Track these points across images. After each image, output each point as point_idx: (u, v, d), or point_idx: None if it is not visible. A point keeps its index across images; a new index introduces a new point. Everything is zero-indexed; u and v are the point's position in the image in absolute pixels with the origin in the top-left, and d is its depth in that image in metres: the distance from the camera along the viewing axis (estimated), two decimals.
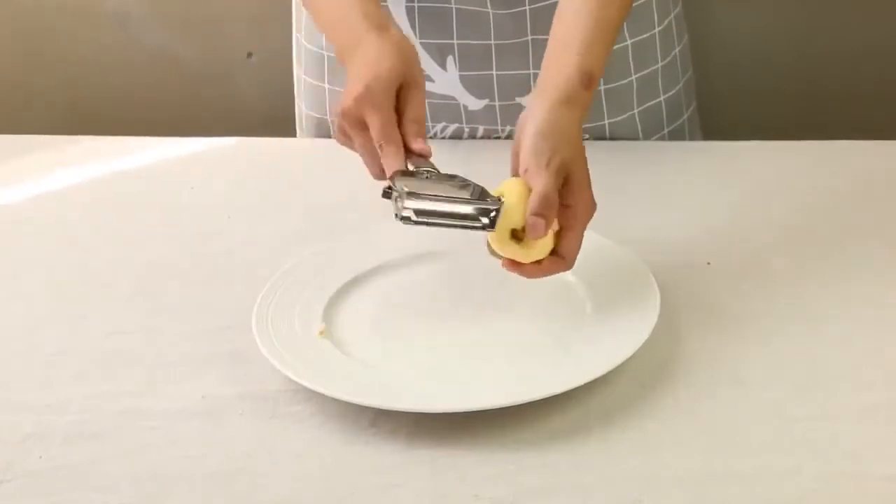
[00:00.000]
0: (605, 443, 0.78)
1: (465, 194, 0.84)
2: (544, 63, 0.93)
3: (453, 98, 1.21)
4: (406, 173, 0.87)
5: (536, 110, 0.88)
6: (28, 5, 1.89)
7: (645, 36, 1.20)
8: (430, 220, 0.84)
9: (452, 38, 1.17)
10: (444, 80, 1.20)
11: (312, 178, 1.20)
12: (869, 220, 1.05)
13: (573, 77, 0.90)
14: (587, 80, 0.90)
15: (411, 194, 0.83)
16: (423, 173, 0.87)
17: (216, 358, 0.89)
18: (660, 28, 1.21)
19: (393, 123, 0.90)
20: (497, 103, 1.21)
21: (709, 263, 0.98)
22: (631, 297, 0.90)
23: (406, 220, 0.83)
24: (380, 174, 0.91)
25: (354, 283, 0.96)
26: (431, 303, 0.95)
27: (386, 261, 0.99)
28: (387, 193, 0.86)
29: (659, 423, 0.79)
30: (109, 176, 1.26)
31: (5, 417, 0.84)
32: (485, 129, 1.24)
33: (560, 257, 0.86)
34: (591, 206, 0.87)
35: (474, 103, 1.22)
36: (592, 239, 0.97)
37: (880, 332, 0.88)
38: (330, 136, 1.23)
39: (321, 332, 0.89)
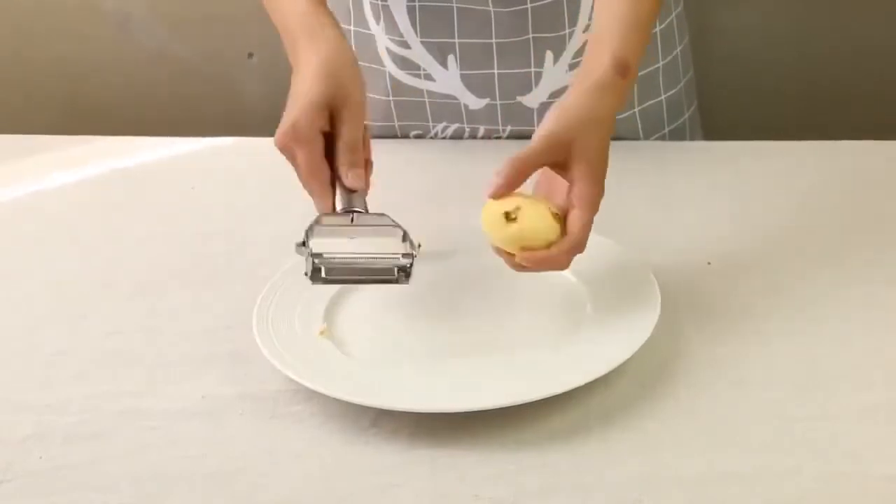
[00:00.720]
0: (606, 443, 0.77)
1: (386, 245, 0.85)
2: (584, 55, 0.93)
3: (454, 97, 1.21)
4: (329, 214, 0.88)
5: (567, 96, 0.87)
6: (28, 5, 1.89)
7: None
8: (341, 278, 0.86)
9: (453, 37, 1.17)
10: (444, 80, 1.20)
11: None
12: (870, 221, 1.05)
13: (607, 64, 0.88)
14: (622, 69, 0.88)
15: (318, 257, 0.85)
16: (348, 215, 0.87)
17: (216, 358, 0.89)
18: (661, 27, 1.21)
19: (318, 163, 0.89)
20: (498, 102, 1.21)
21: (709, 263, 0.98)
22: (631, 297, 0.90)
23: (315, 279, 0.85)
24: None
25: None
26: (432, 303, 0.94)
27: None
28: (303, 244, 0.86)
29: (659, 424, 0.79)
30: (109, 176, 1.26)
31: (5, 417, 0.84)
32: (486, 129, 1.24)
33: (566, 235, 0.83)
34: (592, 190, 0.84)
35: (475, 102, 1.21)
36: (592, 239, 0.97)
37: (881, 331, 0.88)
38: None
39: (322, 332, 0.89)
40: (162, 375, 0.88)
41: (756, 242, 1.02)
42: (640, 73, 1.19)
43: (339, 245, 0.85)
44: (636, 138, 1.24)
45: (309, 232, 0.86)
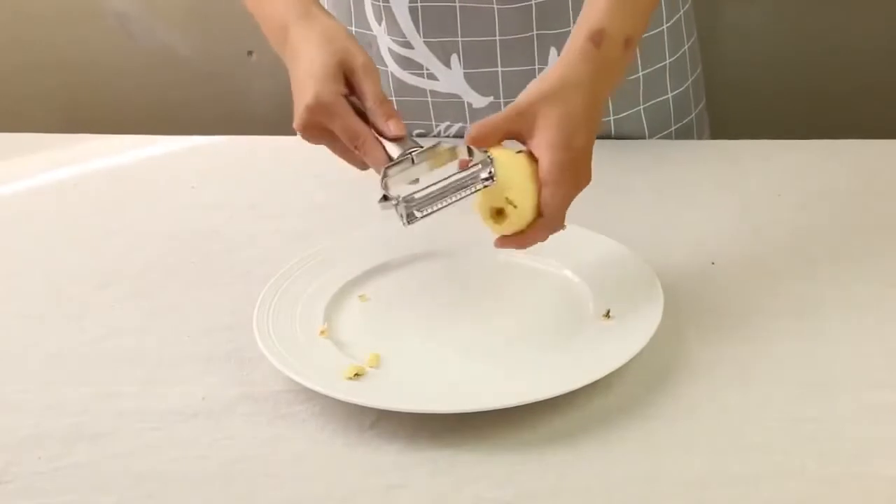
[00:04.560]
0: (607, 444, 0.77)
1: (455, 165, 0.84)
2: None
3: (458, 96, 1.21)
4: (392, 164, 0.85)
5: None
6: (29, 5, 1.89)
7: (653, 32, 1.19)
8: (436, 209, 0.83)
9: (457, 36, 1.17)
10: (448, 78, 1.20)
11: (312, 178, 1.19)
12: (875, 220, 1.05)
13: (580, 36, 0.87)
14: (595, 35, 0.87)
15: (408, 200, 0.82)
16: (407, 157, 0.85)
17: (216, 358, 0.88)
18: (668, 24, 1.21)
19: (356, 123, 0.88)
20: (502, 100, 1.20)
21: (713, 263, 0.98)
22: (634, 297, 0.89)
23: (412, 220, 0.83)
24: (363, 167, 0.90)
25: (355, 282, 0.96)
26: (432, 303, 0.94)
27: (386, 261, 0.99)
28: (385, 199, 0.84)
29: (661, 424, 0.79)
30: (109, 175, 1.26)
31: (5, 418, 0.83)
32: None
33: (540, 217, 0.84)
34: (552, 159, 0.83)
35: (479, 101, 1.21)
36: (596, 239, 0.96)
37: (885, 331, 0.88)
38: None
39: (322, 332, 0.89)
40: (162, 376, 0.87)
41: (761, 242, 1.02)
42: (646, 71, 1.20)
43: (416, 185, 0.84)
44: (641, 136, 1.23)
45: (384, 186, 0.84)
